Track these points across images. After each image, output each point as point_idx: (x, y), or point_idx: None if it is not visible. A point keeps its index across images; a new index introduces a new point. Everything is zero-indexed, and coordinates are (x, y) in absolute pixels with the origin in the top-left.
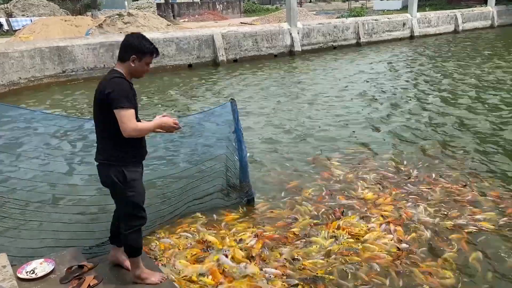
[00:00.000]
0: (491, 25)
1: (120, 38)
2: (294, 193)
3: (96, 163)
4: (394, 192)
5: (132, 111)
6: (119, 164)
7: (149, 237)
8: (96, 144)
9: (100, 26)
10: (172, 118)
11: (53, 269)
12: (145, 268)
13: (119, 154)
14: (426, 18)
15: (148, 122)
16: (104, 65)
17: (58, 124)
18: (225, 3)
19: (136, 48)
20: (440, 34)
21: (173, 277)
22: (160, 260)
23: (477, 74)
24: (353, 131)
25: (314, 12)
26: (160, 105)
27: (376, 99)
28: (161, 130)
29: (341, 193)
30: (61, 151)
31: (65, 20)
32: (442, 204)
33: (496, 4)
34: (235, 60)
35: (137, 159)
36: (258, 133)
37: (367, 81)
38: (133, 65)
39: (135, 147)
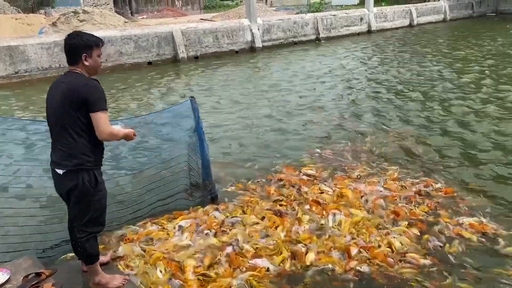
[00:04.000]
0: (444, 19)
1: None
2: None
3: (60, 172)
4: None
5: (108, 114)
6: (92, 168)
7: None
8: (52, 152)
9: (54, 24)
10: (132, 130)
11: (9, 278)
12: (104, 273)
13: (93, 157)
14: (382, 13)
15: (118, 129)
16: (59, 64)
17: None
18: None
19: (82, 46)
20: (396, 28)
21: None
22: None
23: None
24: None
25: (274, 8)
26: (118, 104)
27: (340, 94)
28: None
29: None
30: (5, 153)
31: (16, 19)
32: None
33: None
34: (196, 57)
35: (101, 160)
36: (221, 130)
37: (328, 75)
38: (87, 63)
39: (102, 149)
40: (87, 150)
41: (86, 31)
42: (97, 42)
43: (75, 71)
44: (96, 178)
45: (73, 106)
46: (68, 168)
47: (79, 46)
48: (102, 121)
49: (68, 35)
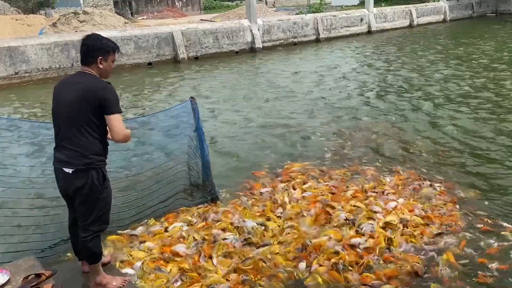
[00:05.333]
0: (444, 20)
1: (76, 37)
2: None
3: (68, 171)
4: None
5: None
6: (100, 166)
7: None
8: (56, 151)
9: (54, 25)
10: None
11: (9, 279)
12: (105, 274)
13: (102, 156)
14: (382, 13)
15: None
16: (59, 65)
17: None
18: (185, 0)
19: (100, 48)
20: (396, 28)
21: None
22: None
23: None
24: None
25: (274, 9)
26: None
27: (337, 94)
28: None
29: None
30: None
31: (16, 19)
32: None
33: None
34: (196, 58)
35: (106, 157)
36: (222, 131)
37: (328, 76)
38: (101, 66)
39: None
40: (98, 149)
41: (102, 35)
42: (114, 48)
43: (88, 72)
44: (104, 175)
45: (90, 106)
46: (79, 167)
47: (97, 48)
48: (118, 123)
49: (87, 35)
